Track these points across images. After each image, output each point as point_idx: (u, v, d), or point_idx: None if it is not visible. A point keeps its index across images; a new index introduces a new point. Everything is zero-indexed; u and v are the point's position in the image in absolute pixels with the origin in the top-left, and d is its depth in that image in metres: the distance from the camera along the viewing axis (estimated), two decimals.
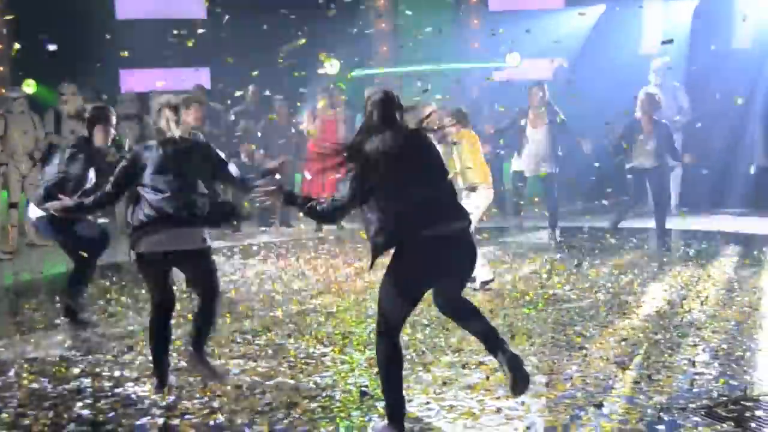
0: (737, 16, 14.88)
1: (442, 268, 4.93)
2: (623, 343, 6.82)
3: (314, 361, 6.55)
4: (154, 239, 5.64)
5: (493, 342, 5.02)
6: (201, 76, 14.97)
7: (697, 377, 5.90)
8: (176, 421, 5.38)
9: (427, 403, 5.57)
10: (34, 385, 6.18)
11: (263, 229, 13.68)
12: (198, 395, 5.85)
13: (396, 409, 4.95)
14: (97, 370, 6.50)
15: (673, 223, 12.16)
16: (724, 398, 5.50)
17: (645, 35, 16.00)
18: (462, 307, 5.20)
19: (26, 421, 5.45)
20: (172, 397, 5.80)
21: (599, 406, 5.42)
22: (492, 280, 8.83)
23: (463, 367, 6.27)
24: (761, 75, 14.02)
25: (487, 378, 5.99)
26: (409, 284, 4.89)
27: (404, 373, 5.60)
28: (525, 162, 11.96)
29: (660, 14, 15.90)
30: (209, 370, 5.98)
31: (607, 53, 15.16)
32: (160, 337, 5.90)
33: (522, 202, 12.79)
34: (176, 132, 5.78)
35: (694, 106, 13.66)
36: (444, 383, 5.92)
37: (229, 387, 5.97)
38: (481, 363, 6.34)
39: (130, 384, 6.15)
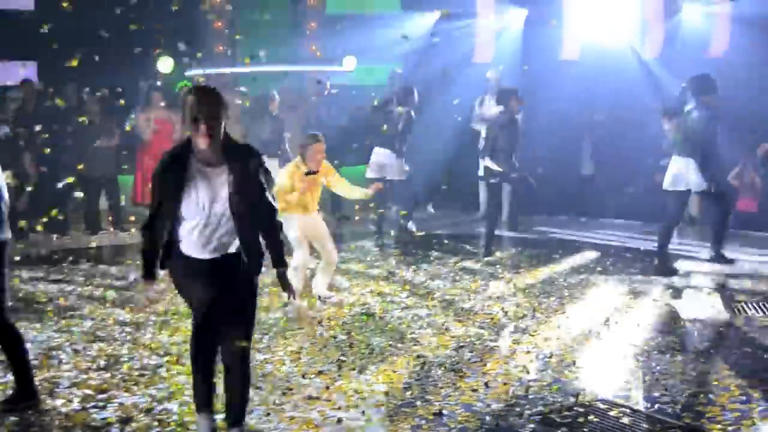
0: (564, 29, 15.48)
1: None
2: (460, 350, 6.94)
3: (148, 372, 6.39)
4: None
5: None
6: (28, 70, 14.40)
7: (531, 384, 6.07)
8: None
9: (267, 414, 5.52)
10: None
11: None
12: (26, 412, 5.61)
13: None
14: None
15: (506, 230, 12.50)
16: (558, 404, 5.68)
17: (478, 44, 16.37)
18: None
19: None
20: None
21: (439, 414, 5.49)
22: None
23: (303, 376, 6.25)
24: (588, 87, 14.57)
25: (327, 388, 6.00)
26: None
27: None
28: None
29: (493, 24, 16.30)
30: None
31: (441, 60, 15.43)
32: None
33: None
34: None
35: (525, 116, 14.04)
36: (283, 393, 5.89)
37: (59, 402, 5.77)
38: (320, 372, 6.35)
39: None
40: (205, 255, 4.80)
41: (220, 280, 4.77)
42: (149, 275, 4.94)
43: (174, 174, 4.68)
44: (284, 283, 5.12)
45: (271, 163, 7.32)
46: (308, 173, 8.59)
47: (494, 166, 10.92)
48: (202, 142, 4.60)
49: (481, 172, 13.32)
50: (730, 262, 10.06)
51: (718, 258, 10.08)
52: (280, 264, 5.08)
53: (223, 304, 4.77)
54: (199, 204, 4.69)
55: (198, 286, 4.77)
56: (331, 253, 8.80)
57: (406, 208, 12.15)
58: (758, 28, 13.24)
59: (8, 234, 5.60)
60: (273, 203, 4.95)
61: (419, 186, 12.97)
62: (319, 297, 8.73)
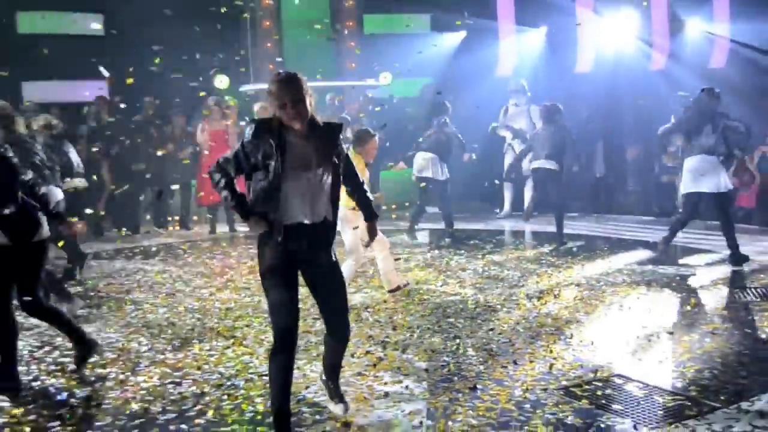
0: (580, 43, 15.54)
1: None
2: (490, 332, 7.04)
3: (217, 353, 6.54)
4: None
5: None
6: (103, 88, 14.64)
7: (554, 362, 6.15)
8: (94, 410, 5.32)
9: (322, 389, 5.63)
10: None
11: (161, 231, 13.48)
12: (113, 386, 5.79)
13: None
14: None
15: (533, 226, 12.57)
16: (579, 379, 5.76)
17: (501, 59, 16.46)
18: None
19: None
20: (87, 389, 5.73)
21: (473, 388, 5.59)
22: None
23: (352, 356, 6.36)
24: (600, 97, 14.62)
25: (374, 365, 6.11)
26: None
27: (301, 362, 5.77)
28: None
29: (514, 41, 16.39)
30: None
31: (468, 75, 15.53)
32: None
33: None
34: None
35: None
36: None
37: (140, 378, 5.93)
38: (368, 352, 6.46)
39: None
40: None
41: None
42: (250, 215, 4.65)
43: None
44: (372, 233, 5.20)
45: None
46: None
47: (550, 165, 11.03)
48: (294, 124, 4.56)
49: (505, 175, 13.45)
50: (747, 259, 9.59)
51: (737, 258, 9.59)
52: (371, 217, 5.16)
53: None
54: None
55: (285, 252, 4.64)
56: (383, 241, 8.44)
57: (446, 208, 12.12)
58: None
59: (46, 234, 5.79)
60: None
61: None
62: (399, 287, 8.52)
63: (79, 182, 9.31)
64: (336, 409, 5.10)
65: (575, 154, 11.29)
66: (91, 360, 6.30)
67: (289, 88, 4.53)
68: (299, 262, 4.72)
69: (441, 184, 11.83)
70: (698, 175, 9.47)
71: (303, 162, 4.59)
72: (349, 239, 8.04)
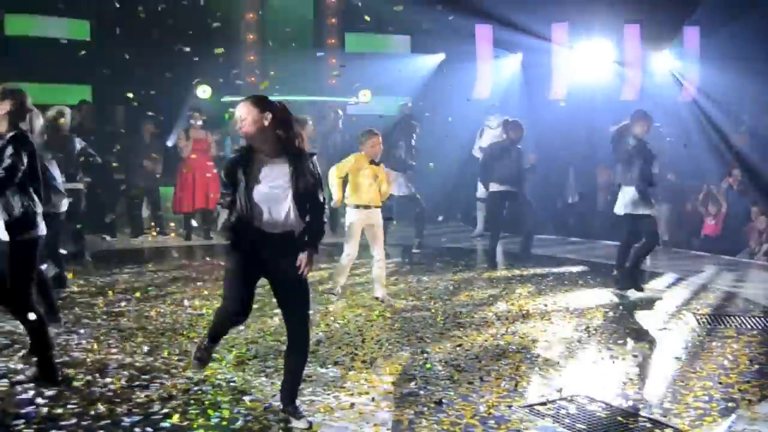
0: (555, 71, 15.62)
1: None
2: (458, 348, 6.98)
3: (186, 358, 6.42)
4: None
5: None
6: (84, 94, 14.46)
7: (520, 380, 6.10)
8: (59, 410, 5.19)
9: None
10: None
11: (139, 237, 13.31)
12: (80, 386, 5.67)
13: None
14: None
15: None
16: (544, 398, 5.71)
17: (478, 82, 16.49)
18: None
19: None
20: (55, 390, 5.59)
21: (439, 403, 5.53)
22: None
23: (321, 366, 6.28)
24: (572, 124, 14.65)
25: (342, 377, 6.03)
26: None
27: (270, 371, 5.71)
28: None
29: (491, 65, 16.43)
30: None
31: (444, 96, 15.55)
32: None
33: None
34: None
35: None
36: (304, 380, 5.91)
37: (108, 380, 5.81)
38: (336, 362, 6.39)
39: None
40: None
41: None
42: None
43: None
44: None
45: None
46: (372, 162, 8.73)
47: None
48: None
49: (479, 194, 13.46)
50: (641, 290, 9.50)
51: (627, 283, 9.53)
52: (311, 243, 5.09)
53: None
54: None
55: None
56: (380, 250, 8.86)
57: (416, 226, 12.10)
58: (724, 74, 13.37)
59: (42, 231, 5.64)
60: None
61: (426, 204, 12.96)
62: (379, 299, 8.76)
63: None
64: (300, 424, 5.02)
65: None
66: (61, 359, 6.18)
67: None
68: (261, 264, 4.97)
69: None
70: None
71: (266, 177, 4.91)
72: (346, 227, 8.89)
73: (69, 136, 9.37)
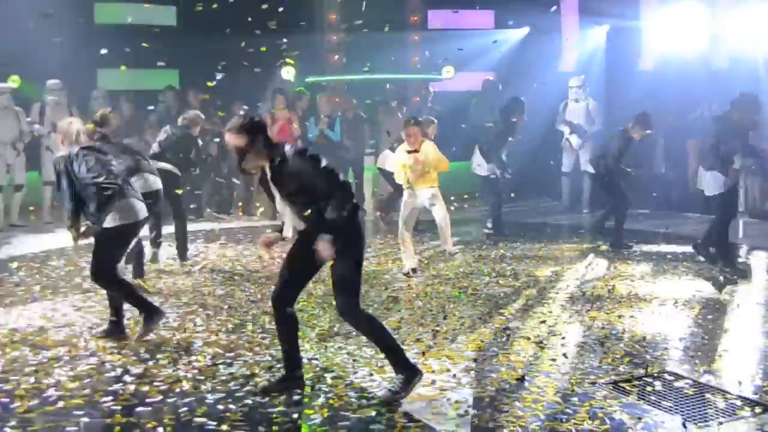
0: (643, 42, 15.17)
1: None
2: (542, 325, 6.87)
3: (270, 335, 6.49)
4: None
5: None
6: (171, 79, 14.71)
7: (605, 356, 5.98)
8: (146, 387, 5.30)
9: (371, 374, 5.56)
10: (16, 353, 6.06)
11: (223, 217, 13.50)
12: (166, 364, 5.78)
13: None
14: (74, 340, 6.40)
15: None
16: (629, 374, 5.58)
17: (564, 55, 16.16)
18: None
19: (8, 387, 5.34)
20: (141, 367, 5.73)
21: (521, 379, 5.45)
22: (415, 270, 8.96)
23: (402, 343, 6.25)
24: (661, 95, 14.17)
25: (423, 353, 6.00)
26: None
27: (351, 348, 5.71)
28: None
29: (577, 37, 16.08)
30: None
31: (529, 70, 15.29)
32: None
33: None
34: None
35: (606, 119, 13.80)
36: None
37: (193, 358, 5.92)
38: (417, 340, 6.36)
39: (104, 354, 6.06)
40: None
41: None
42: None
43: None
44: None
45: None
46: (409, 151, 8.91)
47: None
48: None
49: (565, 168, 13.19)
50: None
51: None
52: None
53: None
54: None
55: None
56: (439, 215, 9.14)
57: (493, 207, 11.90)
58: None
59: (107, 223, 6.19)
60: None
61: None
62: (448, 252, 9.32)
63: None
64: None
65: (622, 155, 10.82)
66: (148, 338, 6.33)
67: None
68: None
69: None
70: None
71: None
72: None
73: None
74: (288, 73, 14.97)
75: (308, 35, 15.30)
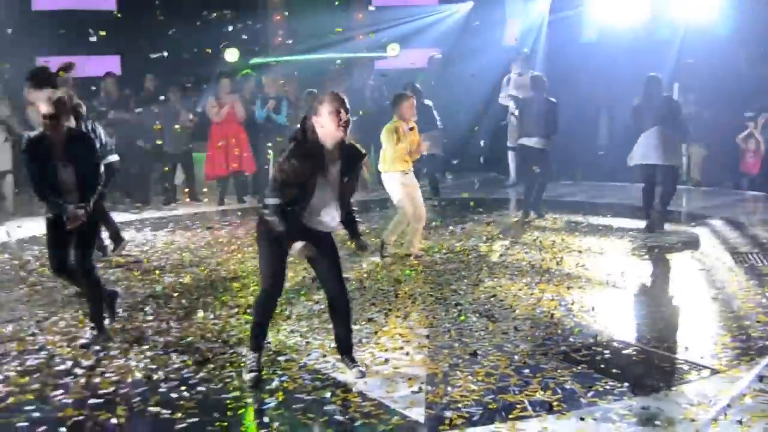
0: (585, 14, 15.28)
1: None
2: (492, 299, 6.94)
3: (221, 321, 6.47)
4: None
5: None
6: (113, 64, 14.49)
7: (555, 328, 6.07)
8: (97, 380, 5.26)
9: (324, 356, 5.58)
10: None
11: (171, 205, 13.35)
12: (117, 355, 5.74)
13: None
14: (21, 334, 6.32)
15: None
16: (579, 344, 5.67)
17: (507, 29, 16.22)
18: None
19: None
20: (92, 359, 5.68)
21: (474, 354, 5.52)
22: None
23: (354, 323, 6.26)
24: (603, 67, 14.32)
25: (376, 332, 6.04)
26: None
27: (303, 330, 5.75)
28: None
29: (520, 10, 16.14)
30: None
31: (474, 44, 15.34)
32: None
33: None
34: None
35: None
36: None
37: (144, 347, 5.88)
38: (370, 319, 6.39)
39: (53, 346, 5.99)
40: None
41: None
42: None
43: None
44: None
45: None
46: (411, 128, 8.41)
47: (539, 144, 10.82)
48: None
49: (510, 143, 13.27)
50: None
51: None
52: None
53: None
54: None
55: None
56: (422, 209, 8.63)
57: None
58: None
59: None
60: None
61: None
62: (414, 255, 8.61)
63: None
64: (352, 374, 5.20)
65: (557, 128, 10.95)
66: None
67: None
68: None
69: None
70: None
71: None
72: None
73: None
74: (232, 55, 14.84)
75: (251, 16, 15.17)
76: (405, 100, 8.42)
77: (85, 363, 5.59)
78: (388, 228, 8.81)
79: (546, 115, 10.66)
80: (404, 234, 8.74)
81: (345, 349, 5.31)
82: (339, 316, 5.28)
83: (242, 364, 5.35)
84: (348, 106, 4.93)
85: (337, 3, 15.38)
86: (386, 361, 5.45)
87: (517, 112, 13.66)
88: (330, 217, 5.09)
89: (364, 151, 5.15)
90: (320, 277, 5.30)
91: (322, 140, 4.89)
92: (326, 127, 4.86)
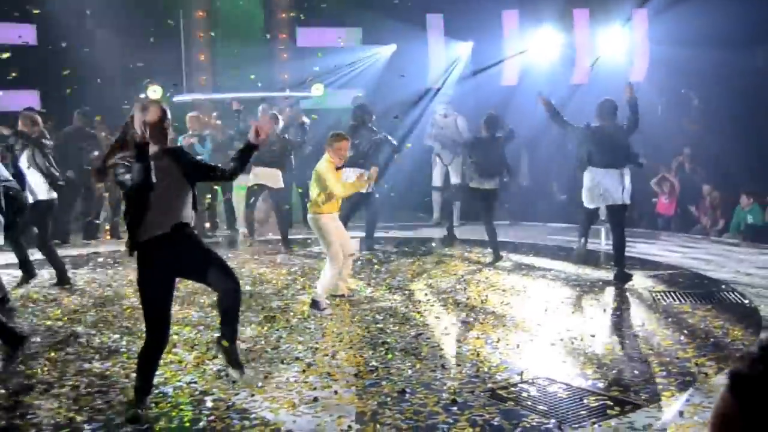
0: (506, 57, 15.67)
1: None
2: (419, 337, 6.99)
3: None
4: None
5: None
6: (32, 98, 14.20)
7: (481, 365, 6.14)
8: (18, 421, 5.11)
9: (252, 395, 5.53)
10: None
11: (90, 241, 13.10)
12: (38, 395, 5.58)
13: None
14: None
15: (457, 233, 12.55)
16: (505, 382, 5.75)
17: (430, 70, 16.48)
18: None
19: None
20: (11, 400, 5.51)
21: (402, 392, 5.53)
22: None
23: (282, 362, 6.26)
24: (525, 108, 14.67)
25: (303, 371, 6.02)
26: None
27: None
28: None
29: (443, 53, 16.43)
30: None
31: (398, 85, 15.53)
32: None
33: None
34: None
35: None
36: (266, 377, 5.90)
37: (66, 388, 5.74)
38: (297, 358, 6.36)
39: None
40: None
41: None
42: None
43: None
44: None
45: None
46: (338, 168, 8.18)
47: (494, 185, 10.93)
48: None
49: (436, 183, 13.40)
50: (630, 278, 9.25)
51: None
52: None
53: None
54: None
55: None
56: (351, 248, 8.47)
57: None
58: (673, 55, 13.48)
59: None
60: None
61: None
62: (344, 295, 8.50)
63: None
64: (234, 374, 5.47)
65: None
66: (18, 368, 6.09)
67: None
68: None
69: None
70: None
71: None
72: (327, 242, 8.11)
73: None
74: (154, 92, 14.72)
75: (174, 53, 15.11)
76: (342, 139, 8.24)
77: (4, 404, 5.42)
78: (319, 283, 8.18)
79: (502, 156, 10.83)
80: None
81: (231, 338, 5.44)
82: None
83: (168, 403, 5.28)
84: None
85: (260, 42, 15.39)
86: (315, 399, 5.42)
87: (444, 153, 13.88)
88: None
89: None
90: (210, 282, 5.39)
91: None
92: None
